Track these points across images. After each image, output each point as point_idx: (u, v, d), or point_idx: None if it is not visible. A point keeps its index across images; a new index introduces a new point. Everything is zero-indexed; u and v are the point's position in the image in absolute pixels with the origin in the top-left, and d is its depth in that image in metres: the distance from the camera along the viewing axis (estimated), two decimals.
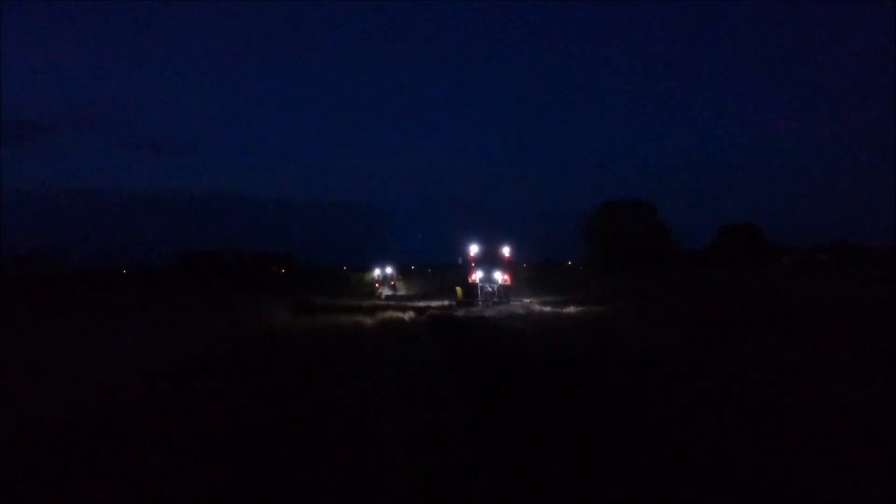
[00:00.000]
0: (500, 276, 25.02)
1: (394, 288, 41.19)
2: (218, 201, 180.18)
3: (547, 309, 21.08)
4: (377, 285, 40.92)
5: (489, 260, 25.15)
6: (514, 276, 25.79)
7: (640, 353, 10.46)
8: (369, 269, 49.13)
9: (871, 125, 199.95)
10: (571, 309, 20.49)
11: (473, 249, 25.40)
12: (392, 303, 28.33)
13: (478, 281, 24.96)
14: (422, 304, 26.13)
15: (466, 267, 25.62)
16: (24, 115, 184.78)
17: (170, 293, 42.27)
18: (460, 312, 21.39)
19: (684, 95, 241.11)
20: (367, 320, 18.57)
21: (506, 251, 25.48)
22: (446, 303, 25.90)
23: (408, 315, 20.39)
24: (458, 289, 26.03)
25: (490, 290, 24.82)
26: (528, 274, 45.81)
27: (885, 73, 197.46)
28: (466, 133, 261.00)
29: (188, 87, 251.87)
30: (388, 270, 42.59)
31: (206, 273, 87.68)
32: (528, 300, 25.58)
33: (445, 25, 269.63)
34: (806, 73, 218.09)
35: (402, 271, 57.44)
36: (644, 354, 10.29)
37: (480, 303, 24.26)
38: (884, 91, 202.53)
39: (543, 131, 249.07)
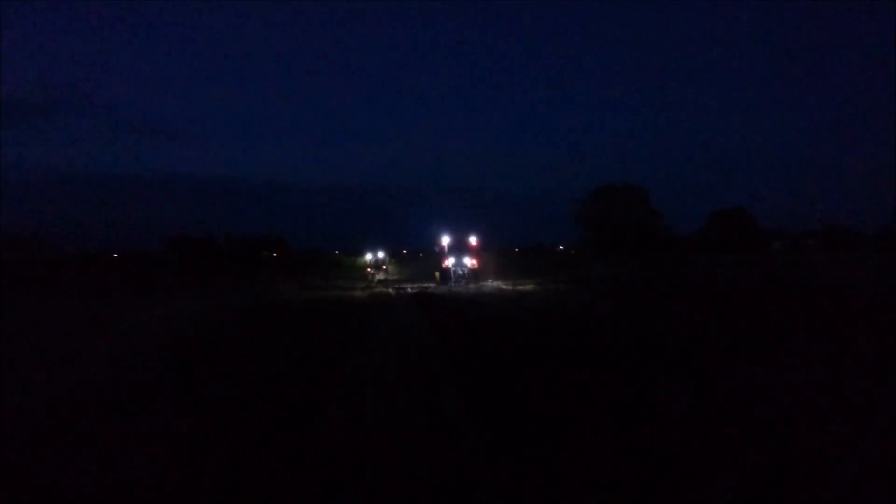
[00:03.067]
0: (469, 261, 29.25)
1: (386, 272, 43.70)
2: (209, 184, 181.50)
3: (505, 287, 25.27)
4: (369, 269, 43.40)
5: (459, 248, 29.57)
6: (481, 261, 29.99)
7: (539, 309, 16.76)
8: (361, 253, 51.73)
9: (861, 110, 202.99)
10: (528, 287, 24.42)
11: (445, 239, 29.91)
12: (381, 286, 31.58)
13: (450, 266, 29.21)
14: (408, 285, 29.59)
15: (441, 254, 29.55)
16: (16, 96, 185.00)
17: (170, 276, 45.08)
18: (437, 291, 25.35)
19: (677, 81, 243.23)
20: (361, 294, 22.46)
21: (473, 240, 29.85)
22: (429, 284, 29.34)
23: (393, 290, 26.00)
24: (437, 273, 30.29)
25: (461, 273, 29.05)
26: (502, 257, 49.51)
27: (874, 59, 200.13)
28: (460, 118, 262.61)
29: (180, 70, 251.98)
30: (380, 255, 45.12)
31: (196, 257, 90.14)
32: (494, 281, 29.63)
33: (442, 10, 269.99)
34: (796, 60, 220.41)
35: (394, 256, 59.93)
36: (545, 311, 16.31)
37: (453, 284, 28.30)
38: (874, 76, 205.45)
39: (537, 116, 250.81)
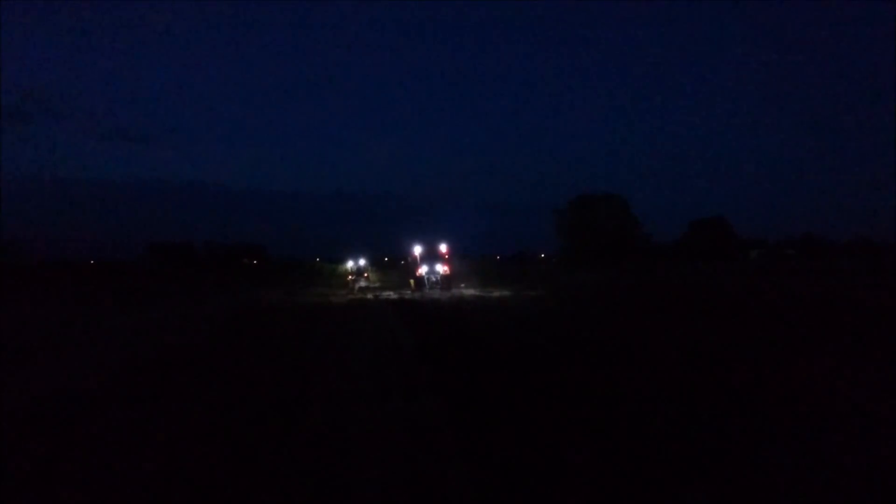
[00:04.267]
0: (441, 269, 31.48)
1: (367, 279, 44.28)
2: (188, 191, 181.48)
3: (476, 293, 27.93)
4: (350, 277, 43.96)
5: (431, 256, 31.96)
6: (452, 268, 32.42)
7: (490, 306, 20.97)
8: (342, 260, 52.37)
9: (840, 121, 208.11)
10: (497, 294, 27.01)
11: (418, 249, 32.16)
12: (362, 293, 32.71)
13: (423, 273, 31.45)
14: (389, 292, 30.99)
15: (414, 263, 32.17)
16: None
17: (148, 284, 45.42)
18: (412, 297, 27.53)
19: (658, 91, 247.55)
20: (343, 301, 26.63)
21: (443, 248, 32.09)
22: (406, 292, 31.00)
23: (372, 296, 28.94)
24: (411, 280, 32.65)
25: (434, 280, 31.33)
26: (483, 265, 51.29)
27: (855, 70, 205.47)
28: (443, 126, 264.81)
29: (161, 75, 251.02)
30: (362, 262, 45.73)
31: (175, 264, 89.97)
32: (466, 288, 32.00)
33: (423, 19, 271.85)
34: (777, 70, 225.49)
35: (376, 263, 60.52)
36: (495, 307, 20.20)
37: (427, 290, 30.59)
38: (854, 88, 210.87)
39: (520, 125, 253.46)
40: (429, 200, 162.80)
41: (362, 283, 42.02)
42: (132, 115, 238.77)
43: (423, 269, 31.61)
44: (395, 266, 73.17)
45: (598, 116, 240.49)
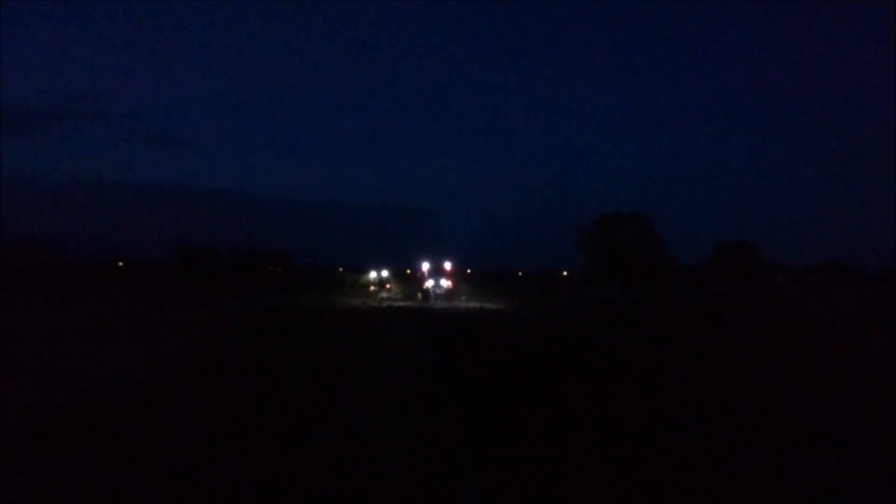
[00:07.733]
0: (445, 283, 35.84)
1: (389, 290, 45.52)
2: (217, 197, 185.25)
3: (473, 306, 32.05)
4: (373, 288, 45.22)
5: (437, 272, 36.44)
6: (455, 283, 36.84)
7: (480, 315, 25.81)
8: (365, 271, 53.70)
9: (875, 149, 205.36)
10: (488, 306, 31.07)
11: (425, 266, 36.95)
12: (383, 303, 34.85)
13: (430, 287, 35.64)
14: (408, 302, 34.80)
15: (422, 277, 37.22)
16: (28, 103, 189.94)
17: (175, 287, 47.14)
18: (421, 306, 31.52)
19: (687, 111, 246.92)
20: (367, 308, 30.37)
21: (448, 266, 36.63)
22: (415, 302, 35.10)
23: (386, 304, 33.10)
24: (419, 293, 36.94)
25: (439, 292, 35.41)
26: (505, 281, 52.78)
27: (884, 93, 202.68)
28: (471, 141, 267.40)
29: (193, 82, 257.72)
30: (384, 274, 47.06)
31: (202, 268, 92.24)
32: (466, 300, 35.67)
33: (446, 32, 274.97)
34: (810, 96, 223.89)
35: (398, 275, 61.66)
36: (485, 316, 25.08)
37: (433, 301, 34.62)
38: (883, 111, 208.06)
39: (546, 143, 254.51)
40: (454, 215, 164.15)
41: (384, 294, 43.18)
42: (165, 120, 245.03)
43: (429, 283, 35.51)
44: (416, 278, 74.31)
45: (626, 136, 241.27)
